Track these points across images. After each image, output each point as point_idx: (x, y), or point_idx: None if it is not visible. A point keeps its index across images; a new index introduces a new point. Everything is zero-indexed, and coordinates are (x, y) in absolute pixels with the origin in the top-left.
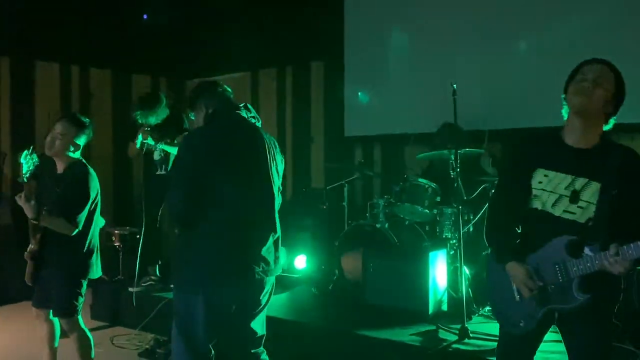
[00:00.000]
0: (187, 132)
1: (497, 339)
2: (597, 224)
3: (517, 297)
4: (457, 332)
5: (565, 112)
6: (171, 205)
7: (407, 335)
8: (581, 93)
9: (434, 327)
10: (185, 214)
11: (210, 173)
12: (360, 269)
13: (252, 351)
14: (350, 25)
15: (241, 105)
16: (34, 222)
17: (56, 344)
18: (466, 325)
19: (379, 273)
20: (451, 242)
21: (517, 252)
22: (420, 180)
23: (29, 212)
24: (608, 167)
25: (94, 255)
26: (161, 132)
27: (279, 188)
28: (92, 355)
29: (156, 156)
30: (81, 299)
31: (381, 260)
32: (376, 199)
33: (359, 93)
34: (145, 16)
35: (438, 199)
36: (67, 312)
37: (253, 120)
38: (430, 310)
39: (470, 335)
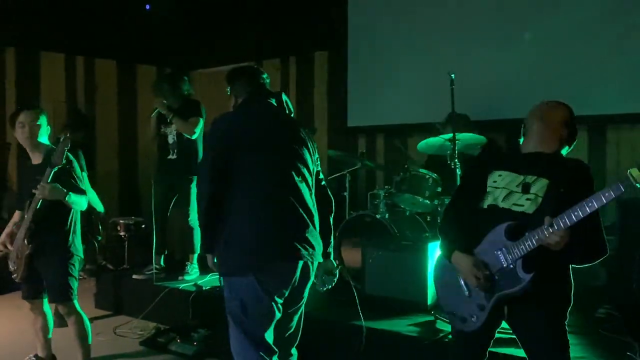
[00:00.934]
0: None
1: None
2: (542, 214)
3: (467, 292)
4: None
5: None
6: (199, 186)
7: (405, 325)
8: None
9: (432, 318)
10: (212, 191)
11: (235, 154)
12: (360, 259)
13: (292, 351)
14: (354, 16)
15: (275, 92)
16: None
17: (50, 335)
18: None
19: (379, 263)
20: None
21: (462, 246)
22: (421, 170)
23: (59, 194)
24: (558, 169)
25: (77, 234)
26: (177, 113)
27: (317, 174)
28: (90, 340)
29: (170, 140)
30: (76, 282)
31: (381, 250)
32: (377, 189)
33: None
34: (147, 6)
35: (439, 189)
36: (65, 296)
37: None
38: (429, 301)
39: None
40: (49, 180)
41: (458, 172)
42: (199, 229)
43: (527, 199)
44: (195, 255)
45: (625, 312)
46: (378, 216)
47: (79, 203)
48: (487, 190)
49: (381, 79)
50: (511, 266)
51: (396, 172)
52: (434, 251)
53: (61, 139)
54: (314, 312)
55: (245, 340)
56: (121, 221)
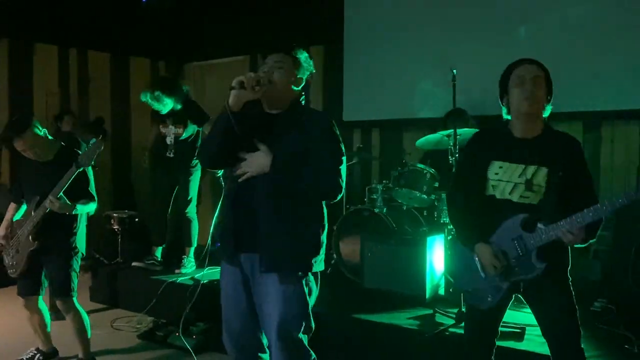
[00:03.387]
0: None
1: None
2: (547, 203)
3: (482, 274)
4: (454, 316)
5: (505, 112)
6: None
7: (405, 319)
8: (527, 98)
9: (431, 311)
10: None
11: None
12: (358, 253)
13: None
14: (350, 10)
15: None
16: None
17: (49, 329)
18: (463, 310)
19: (377, 257)
20: (449, 227)
21: (481, 235)
22: (419, 165)
23: (68, 209)
24: (553, 153)
25: (82, 230)
26: (178, 118)
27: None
28: (89, 335)
29: (168, 141)
30: (76, 278)
31: (379, 244)
32: (374, 183)
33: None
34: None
35: (436, 184)
36: (66, 292)
37: None
38: (428, 295)
39: None
40: (69, 181)
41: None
42: (196, 221)
43: (532, 191)
44: (192, 249)
45: (621, 305)
46: (376, 210)
47: (85, 210)
48: (491, 181)
49: (377, 74)
50: (526, 255)
51: (394, 166)
52: (433, 245)
53: (91, 142)
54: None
55: None
56: (115, 215)
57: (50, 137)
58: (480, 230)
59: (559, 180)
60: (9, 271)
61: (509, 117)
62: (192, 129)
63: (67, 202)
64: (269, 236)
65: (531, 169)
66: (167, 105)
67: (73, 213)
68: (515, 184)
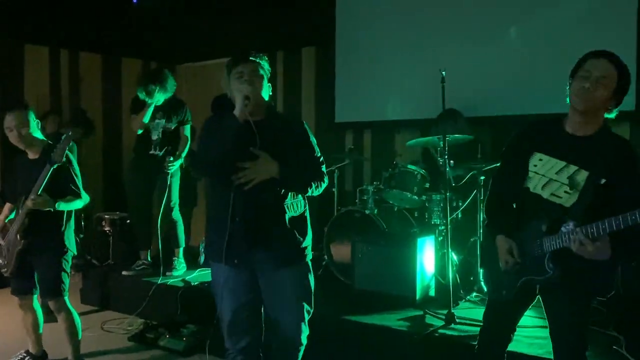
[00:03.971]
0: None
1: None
2: (579, 208)
3: (503, 267)
4: (444, 317)
5: (568, 99)
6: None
7: (395, 320)
8: (582, 95)
9: (421, 313)
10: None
11: None
12: (349, 254)
13: None
14: (342, 11)
15: None
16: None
17: (40, 331)
18: (452, 311)
19: (368, 259)
20: (439, 228)
21: (507, 227)
22: (410, 166)
23: (48, 206)
24: (600, 156)
25: (69, 229)
26: (165, 112)
27: None
28: (80, 336)
29: (154, 136)
30: (68, 278)
31: (370, 246)
32: (365, 185)
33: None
34: (135, 0)
35: (427, 185)
36: (56, 292)
37: None
38: (418, 296)
39: (457, 320)
40: (45, 179)
41: (448, 169)
42: (181, 222)
43: (565, 192)
44: (181, 250)
45: (610, 306)
46: (367, 212)
47: (70, 207)
48: (529, 172)
49: (369, 75)
50: (542, 256)
51: (385, 167)
52: (423, 246)
53: (63, 137)
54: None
55: None
56: (106, 216)
57: (40, 134)
58: (507, 223)
59: (599, 187)
60: (2, 270)
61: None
62: (175, 123)
63: (47, 198)
64: (280, 234)
65: (572, 168)
66: (160, 98)
67: (56, 209)
68: (549, 179)
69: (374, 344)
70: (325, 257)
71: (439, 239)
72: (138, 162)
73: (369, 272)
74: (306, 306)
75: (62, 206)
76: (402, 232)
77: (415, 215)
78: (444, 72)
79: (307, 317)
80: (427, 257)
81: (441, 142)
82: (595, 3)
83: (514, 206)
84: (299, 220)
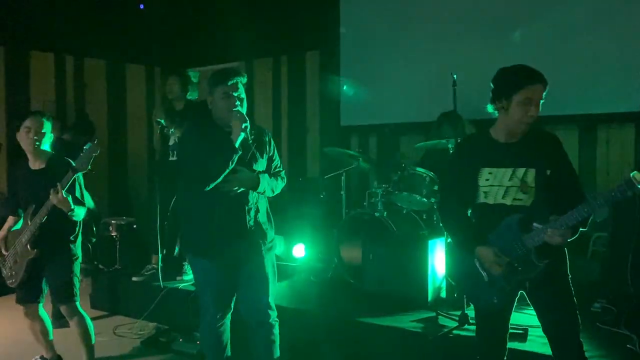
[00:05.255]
0: None
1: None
2: (539, 203)
3: (486, 278)
4: (457, 318)
5: (491, 109)
6: None
7: (408, 321)
8: (528, 120)
9: (433, 314)
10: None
11: None
12: (359, 257)
13: None
14: (346, 15)
15: None
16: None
17: (51, 337)
18: (466, 312)
19: (378, 261)
20: None
21: (480, 238)
22: (418, 169)
23: (66, 206)
24: (537, 153)
25: (79, 236)
26: (181, 117)
27: None
28: (93, 340)
29: (171, 141)
30: (78, 282)
31: (380, 248)
32: (374, 187)
33: (344, 87)
34: (141, 6)
35: (436, 187)
36: (69, 297)
37: None
38: (429, 298)
39: (470, 321)
40: (67, 185)
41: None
42: None
43: (523, 192)
44: None
45: (620, 305)
46: (376, 214)
47: (78, 215)
48: (482, 189)
49: (373, 78)
50: (527, 255)
51: (393, 171)
52: (434, 248)
53: (88, 146)
54: (317, 309)
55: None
56: (113, 221)
57: (48, 147)
58: (477, 234)
59: (547, 179)
60: (7, 282)
61: (495, 113)
62: None
63: (69, 200)
64: (264, 223)
65: (520, 171)
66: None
67: (71, 215)
68: (506, 187)
69: (388, 345)
70: (335, 260)
71: (449, 240)
72: (161, 167)
73: (380, 274)
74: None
75: (77, 210)
76: (412, 234)
77: (424, 217)
78: (455, 76)
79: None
80: (437, 259)
81: (449, 145)
82: (603, 5)
83: (473, 220)
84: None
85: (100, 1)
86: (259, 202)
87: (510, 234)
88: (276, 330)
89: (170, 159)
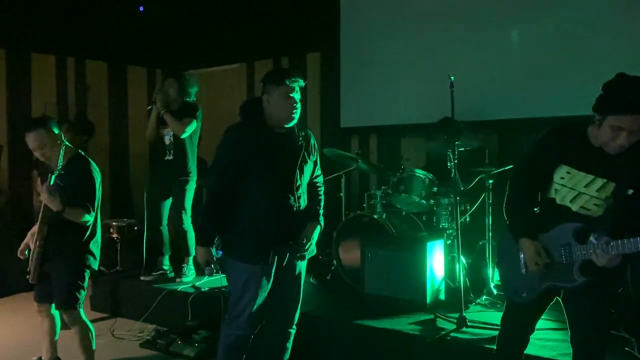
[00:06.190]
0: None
1: (495, 327)
2: (606, 219)
3: (524, 270)
4: (455, 321)
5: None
6: None
7: (406, 324)
8: (614, 148)
9: (432, 317)
10: None
11: None
12: (358, 259)
13: None
14: (346, 16)
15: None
16: (59, 213)
17: (56, 337)
18: (464, 314)
19: (377, 263)
20: (448, 232)
21: (531, 230)
22: (417, 171)
23: (54, 205)
24: (627, 168)
25: (94, 245)
26: (177, 116)
27: None
28: (94, 347)
29: (166, 141)
30: (83, 292)
31: (379, 250)
32: (373, 189)
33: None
34: (141, 8)
35: (435, 189)
36: (69, 304)
37: None
38: (428, 300)
39: (468, 324)
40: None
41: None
42: (191, 231)
43: (595, 204)
44: (191, 258)
45: (620, 308)
46: (375, 216)
47: (75, 217)
48: (555, 184)
49: (374, 80)
50: (569, 265)
51: (392, 172)
52: (432, 250)
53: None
54: (315, 311)
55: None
56: (114, 223)
57: (67, 143)
58: (530, 226)
59: (626, 199)
60: (26, 276)
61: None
62: (192, 127)
63: (57, 198)
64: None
65: (599, 181)
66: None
67: (62, 214)
68: (578, 192)
69: (386, 348)
70: (334, 261)
71: (448, 242)
72: (155, 168)
73: (379, 276)
74: None
75: (68, 212)
76: (411, 236)
77: (424, 219)
78: (452, 77)
79: None
80: (436, 261)
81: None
82: (604, 6)
83: (536, 211)
84: None
85: (101, 3)
86: (301, 206)
87: (564, 238)
88: (292, 337)
89: (166, 158)
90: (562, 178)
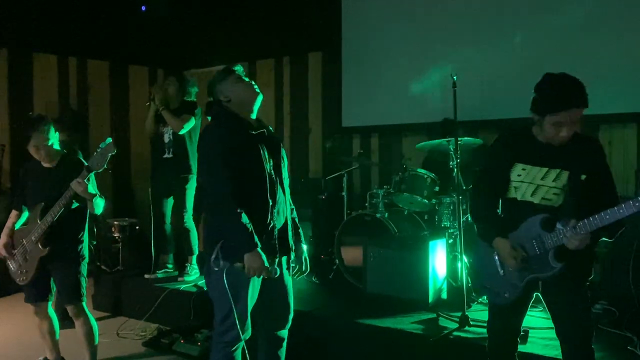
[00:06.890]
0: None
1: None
2: (567, 206)
3: (501, 271)
4: (458, 320)
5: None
6: None
7: (408, 323)
8: (559, 141)
9: (434, 315)
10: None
11: None
12: (360, 258)
13: None
14: (348, 16)
15: None
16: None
17: (57, 337)
18: (466, 313)
19: (379, 262)
20: (450, 231)
21: (501, 230)
22: (419, 170)
23: (88, 195)
24: (575, 156)
25: (86, 237)
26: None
27: None
28: (97, 341)
29: (166, 139)
30: (85, 283)
31: (381, 249)
32: (375, 189)
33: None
34: (143, 8)
35: (437, 188)
36: (77, 297)
37: None
38: (430, 299)
39: (471, 322)
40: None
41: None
42: (194, 229)
43: (554, 194)
44: (194, 257)
45: (622, 307)
46: (378, 215)
47: (99, 206)
48: (513, 183)
49: (375, 80)
50: (544, 254)
51: (394, 171)
52: (434, 249)
53: (105, 144)
54: (318, 310)
55: None
56: (115, 222)
57: (57, 145)
58: (499, 226)
59: (581, 184)
60: (17, 279)
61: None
62: (190, 123)
63: (91, 186)
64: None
65: (553, 172)
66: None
67: (92, 202)
68: (537, 186)
69: (388, 347)
70: (337, 260)
71: (450, 241)
72: (156, 166)
73: (381, 275)
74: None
75: (98, 200)
76: (413, 236)
77: (426, 218)
78: (455, 77)
79: None
80: (438, 260)
81: (450, 146)
82: (602, 8)
83: (500, 213)
84: None
85: (103, 3)
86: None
87: (533, 231)
88: (285, 343)
89: (165, 156)
90: (519, 175)
